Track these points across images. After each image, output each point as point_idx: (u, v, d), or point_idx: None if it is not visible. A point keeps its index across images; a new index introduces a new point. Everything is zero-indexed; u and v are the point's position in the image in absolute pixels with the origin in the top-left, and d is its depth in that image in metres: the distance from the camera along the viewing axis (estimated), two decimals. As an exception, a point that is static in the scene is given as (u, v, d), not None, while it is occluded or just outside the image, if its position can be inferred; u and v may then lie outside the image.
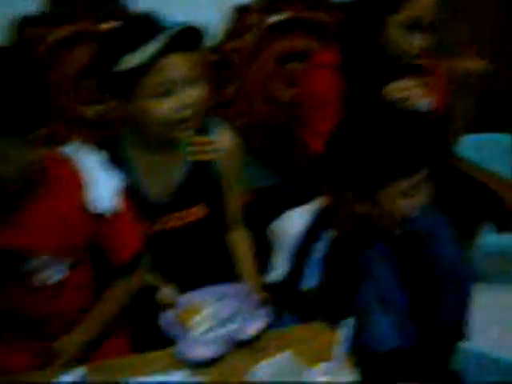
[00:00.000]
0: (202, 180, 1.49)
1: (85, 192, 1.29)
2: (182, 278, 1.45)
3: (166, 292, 1.42)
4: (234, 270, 1.55)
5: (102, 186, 1.30)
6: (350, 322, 1.17)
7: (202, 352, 1.23)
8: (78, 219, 1.29)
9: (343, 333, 1.16)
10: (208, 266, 1.53)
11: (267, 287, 1.48)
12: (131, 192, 1.37)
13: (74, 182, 1.29)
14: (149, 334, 1.34)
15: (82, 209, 1.29)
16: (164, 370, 1.19)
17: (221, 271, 1.51)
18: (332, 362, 1.16)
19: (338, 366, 1.15)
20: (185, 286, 1.41)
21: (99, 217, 1.30)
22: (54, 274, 1.31)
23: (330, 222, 1.47)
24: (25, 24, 1.73)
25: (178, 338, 1.26)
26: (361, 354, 1.22)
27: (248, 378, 1.17)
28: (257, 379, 1.15)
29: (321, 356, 1.18)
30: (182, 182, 1.47)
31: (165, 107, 1.33)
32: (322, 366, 1.16)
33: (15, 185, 1.21)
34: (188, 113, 1.35)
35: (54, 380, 1.15)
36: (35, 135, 1.17)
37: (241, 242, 1.59)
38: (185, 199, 1.49)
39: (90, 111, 1.79)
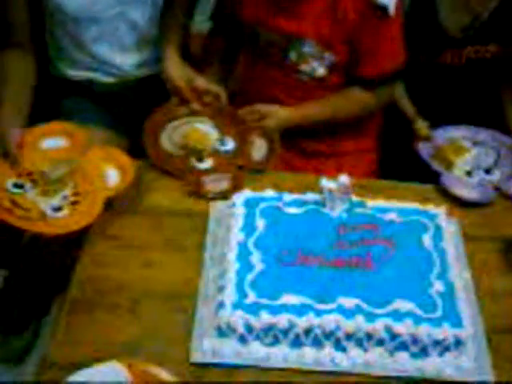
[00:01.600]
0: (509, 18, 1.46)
1: None
2: (439, 115, 1.48)
3: (422, 124, 1.46)
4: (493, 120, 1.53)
5: None
6: None
7: (467, 193, 1.28)
8: (352, 11, 1.32)
9: None
10: (469, 109, 1.52)
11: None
12: (427, 14, 1.44)
13: None
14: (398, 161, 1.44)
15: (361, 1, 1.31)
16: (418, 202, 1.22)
17: (481, 118, 1.49)
18: None
19: None
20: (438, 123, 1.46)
21: (374, 13, 1.31)
22: (314, 69, 1.39)
23: None
24: None
25: (440, 172, 1.33)
26: None
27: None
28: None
29: None
30: (488, 15, 1.45)
31: None
32: None
33: None
34: None
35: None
36: None
37: None
38: (485, 34, 1.47)
39: None
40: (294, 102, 1.43)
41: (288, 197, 1.18)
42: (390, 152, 1.55)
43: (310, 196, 1.19)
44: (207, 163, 1.30)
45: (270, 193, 1.19)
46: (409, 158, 1.41)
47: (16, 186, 1.20)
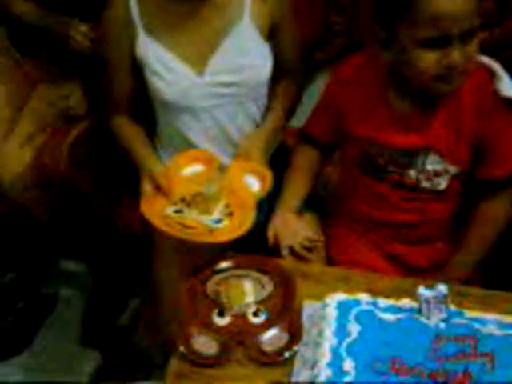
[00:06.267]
0: None
1: (494, 81, 1.31)
2: None
3: None
4: None
5: (507, 80, 1.31)
6: None
7: None
8: (478, 113, 1.31)
9: None
10: None
11: None
12: None
13: (482, 77, 1.32)
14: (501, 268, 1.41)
15: (483, 106, 1.31)
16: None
17: None
18: None
19: None
20: None
21: (502, 108, 1.31)
22: (435, 184, 1.37)
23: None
24: None
25: None
26: None
27: None
28: None
29: None
30: None
31: None
32: None
33: None
34: None
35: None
36: None
37: None
38: None
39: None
40: (404, 219, 1.42)
41: (383, 302, 1.16)
42: (493, 259, 1.50)
43: (406, 302, 1.16)
44: (224, 321, 1.19)
45: (363, 297, 1.18)
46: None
47: (175, 212, 1.36)
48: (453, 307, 1.14)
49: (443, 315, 1.13)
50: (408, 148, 1.35)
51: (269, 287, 1.25)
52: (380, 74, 1.36)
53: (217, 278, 1.27)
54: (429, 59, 1.23)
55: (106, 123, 1.60)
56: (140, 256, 1.62)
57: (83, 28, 1.61)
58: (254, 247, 1.38)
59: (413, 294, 1.16)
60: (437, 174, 1.36)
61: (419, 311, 1.14)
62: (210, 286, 1.25)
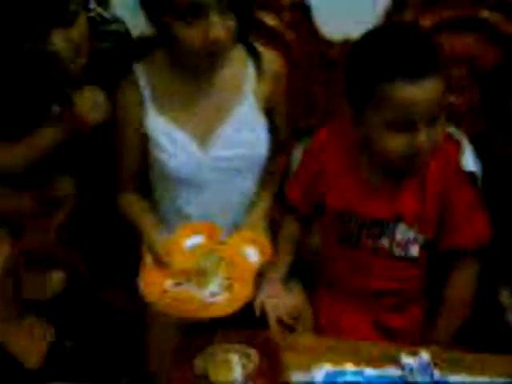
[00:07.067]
0: None
1: (459, 155, 1.34)
2: None
3: (506, 293, 1.41)
4: None
5: (470, 154, 1.34)
6: None
7: None
8: (442, 183, 1.34)
9: None
10: None
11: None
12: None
13: (449, 149, 1.35)
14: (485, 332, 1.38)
15: (447, 177, 1.34)
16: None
17: None
18: None
19: None
20: None
21: (464, 181, 1.34)
22: (407, 252, 1.39)
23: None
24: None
25: None
26: None
27: None
28: None
29: None
30: None
31: None
32: None
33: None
34: None
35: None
36: None
37: None
38: None
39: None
40: (383, 286, 1.44)
41: (368, 372, 1.18)
42: (476, 323, 1.47)
43: (391, 370, 1.17)
44: None
45: (349, 367, 1.19)
46: (496, 330, 1.37)
47: (174, 285, 1.34)
48: (437, 373, 1.15)
49: (428, 382, 1.13)
50: (378, 218, 1.38)
51: (255, 360, 1.26)
52: (352, 145, 1.40)
53: (204, 354, 1.27)
54: (395, 142, 1.26)
55: (94, 203, 1.62)
56: (132, 333, 1.62)
57: (86, 93, 1.50)
58: (239, 317, 1.40)
59: (398, 361, 1.17)
60: (408, 242, 1.38)
61: (405, 378, 1.15)
62: (198, 363, 1.26)
